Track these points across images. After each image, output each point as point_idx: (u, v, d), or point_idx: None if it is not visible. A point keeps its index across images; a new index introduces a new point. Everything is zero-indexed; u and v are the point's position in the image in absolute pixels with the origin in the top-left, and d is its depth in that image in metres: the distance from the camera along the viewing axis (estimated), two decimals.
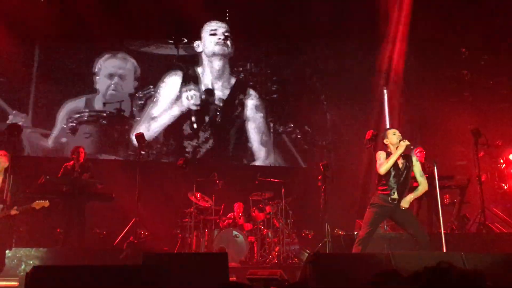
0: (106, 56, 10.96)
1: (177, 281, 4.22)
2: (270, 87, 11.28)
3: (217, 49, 11.05)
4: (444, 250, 6.09)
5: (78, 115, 10.53)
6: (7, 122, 9.97)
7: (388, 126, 11.30)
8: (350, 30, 10.90)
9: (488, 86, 10.90)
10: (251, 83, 11.26)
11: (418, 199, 8.88)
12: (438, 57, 11.24)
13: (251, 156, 10.89)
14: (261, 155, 10.84)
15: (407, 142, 5.55)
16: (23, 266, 6.73)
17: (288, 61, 11.58)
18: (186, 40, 11.21)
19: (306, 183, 9.48)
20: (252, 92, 11.06)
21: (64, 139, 10.36)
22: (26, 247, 7.08)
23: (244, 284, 2.90)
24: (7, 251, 6.30)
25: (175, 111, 10.75)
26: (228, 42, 11.13)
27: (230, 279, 4.85)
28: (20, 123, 9.13)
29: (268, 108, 11.25)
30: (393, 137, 5.70)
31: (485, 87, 10.94)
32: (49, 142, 10.31)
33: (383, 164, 5.53)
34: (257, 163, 10.86)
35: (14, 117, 10.08)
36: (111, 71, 10.87)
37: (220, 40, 11.00)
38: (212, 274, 4.41)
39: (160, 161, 10.37)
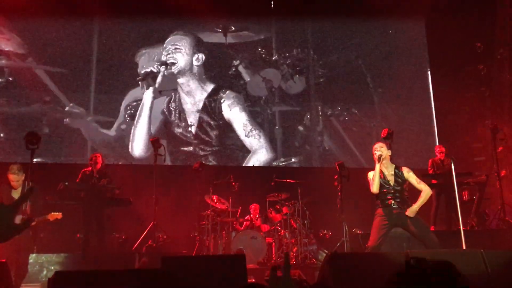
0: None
1: (196, 283, 4.25)
2: (317, 71, 11.33)
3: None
4: (464, 247, 6.04)
5: (135, 102, 10.55)
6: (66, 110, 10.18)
7: (434, 112, 11.29)
8: (398, 8, 10.98)
9: (504, 80, 10.75)
10: (298, 68, 11.25)
11: (436, 196, 8.83)
12: (454, 52, 11.13)
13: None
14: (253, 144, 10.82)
15: (377, 154, 5.70)
16: (44, 272, 6.85)
17: (333, 45, 11.59)
18: (233, 28, 11.29)
19: (322, 182, 9.44)
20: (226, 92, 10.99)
21: (123, 126, 10.43)
22: (47, 253, 7.20)
23: (263, 286, 2.91)
24: (29, 257, 6.39)
25: None
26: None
27: (249, 280, 4.87)
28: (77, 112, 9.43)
29: (316, 92, 11.27)
30: (374, 152, 5.81)
31: (502, 81, 10.79)
32: (112, 131, 10.37)
33: (371, 184, 5.73)
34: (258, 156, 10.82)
35: (71, 109, 10.22)
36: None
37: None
38: (230, 276, 4.43)
39: (176, 165, 10.42)
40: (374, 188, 5.68)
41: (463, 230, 6.25)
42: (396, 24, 11.54)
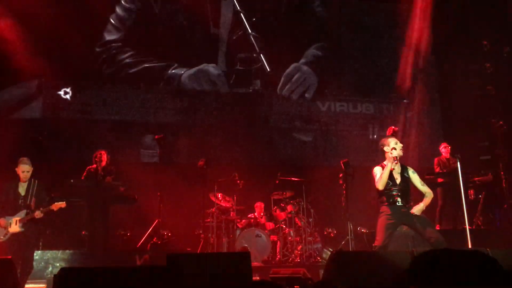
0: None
1: (201, 281, 4.24)
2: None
3: None
4: (470, 246, 6.02)
5: None
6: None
7: (440, 110, 11.12)
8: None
9: (511, 79, 10.69)
10: None
11: (442, 195, 8.80)
12: (460, 51, 11.08)
13: None
14: None
15: (394, 154, 5.62)
16: (50, 269, 6.88)
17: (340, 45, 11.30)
18: None
19: (327, 181, 9.44)
20: None
21: None
22: (52, 249, 7.22)
23: (272, 283, 2.90)
24: (34, 254, 6.42)
25: None
26: None
27: (253, 278, 4.86)
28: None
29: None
30: (389, 147, 5.75)
31: (509, 80, 10.72)
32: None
33: (379, 181, 5.66)
34: None
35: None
36: None
37: None
38: (235, 273, 4.43)
39: (181, 163, 10.41)
40: (380, 185, 5.64)
41: (469, 229, 6.22)
42: (402, 20, 11.47)
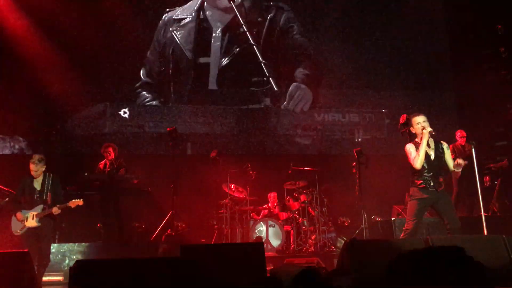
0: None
1: (215, 271, 4.26)
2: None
3: None
4: (485, 233, 5.95)
5: None
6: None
7: (454, 96, 11.45)
8: None
9: None
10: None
11: (458, 182, 8.71)
12: (474, 35, 10.90)
13: None
14: None
15: (429, 129, 5.45)
16: (67, 261, 6.96)
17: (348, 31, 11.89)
18: None
19: (340, 170, 9.39)
20: None
21: None
22: (69, 242, 7.31)
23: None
24: (51, 247, 6.50)
25: None
26: None
27: (267, 268, 4.87)
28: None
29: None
30: (417, 126, 5.58)
31: None
32: None
33: (416, 159, 5.44)
34: None
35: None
36: None
37: None
38: (249, 263, 4.44)
39: (193, 154, 10.47)
40: (418, 163, 5.42)
41: (485, 216, 6.14)
42: (415, 6, 11.42)
